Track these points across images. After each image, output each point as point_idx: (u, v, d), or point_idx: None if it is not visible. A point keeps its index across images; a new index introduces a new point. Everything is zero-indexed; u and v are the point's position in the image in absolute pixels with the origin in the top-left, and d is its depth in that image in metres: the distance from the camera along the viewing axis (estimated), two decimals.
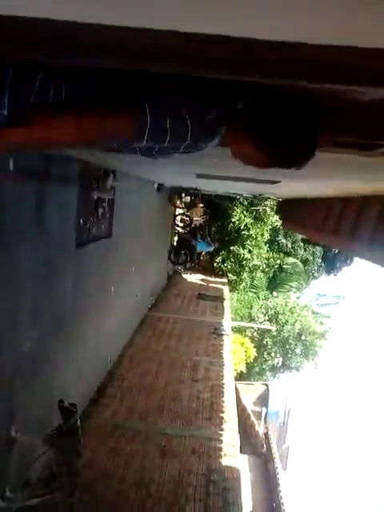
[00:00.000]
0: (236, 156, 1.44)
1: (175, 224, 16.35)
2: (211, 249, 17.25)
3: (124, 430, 6.48)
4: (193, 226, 16.32)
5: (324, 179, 3.85)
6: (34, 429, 4.51)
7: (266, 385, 16.86)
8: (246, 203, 16.97)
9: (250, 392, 14.97)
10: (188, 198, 16.93)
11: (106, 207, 6.86)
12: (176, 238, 16.35)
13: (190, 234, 15.62)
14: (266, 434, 13.22)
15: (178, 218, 16.56)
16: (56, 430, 4.25)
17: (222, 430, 7.22)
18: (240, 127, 1.35)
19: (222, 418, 7.59)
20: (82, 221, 5.78)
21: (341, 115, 1.55)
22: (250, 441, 11.83)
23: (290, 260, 22.35)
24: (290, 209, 8.83)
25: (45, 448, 4.30)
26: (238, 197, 15.73)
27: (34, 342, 4.46)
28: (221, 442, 6.81)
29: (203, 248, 16.54)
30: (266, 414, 14.68)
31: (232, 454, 6.50)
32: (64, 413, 4.23)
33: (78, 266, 5.76)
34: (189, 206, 17.74)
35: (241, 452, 7.13)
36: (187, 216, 16.45)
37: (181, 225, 16.46)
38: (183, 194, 15.79)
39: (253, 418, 13.00)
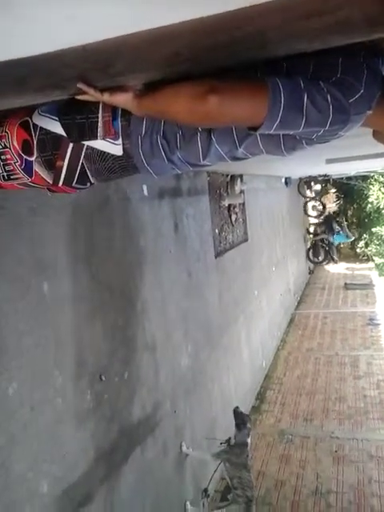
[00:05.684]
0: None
1: (307, 213, 15.46)
2: (351, 240, 16.07)
3: (290, 436, 6.27)
4: (326, 214, 15.31)
5: None
6: (201, 442, 4.56)
7: None
8: (381, 179, 15.62)
9: None
10: (318, 186, 16.13)
11: (239, 212, 6.78)
12: (311, 234, 15.55)
13: (326, 227, 14.73)
14: None
15: (310, 205, 15.61)
16: (225, 443, 4.22)
17: None
18: None
19: None
20: (217, 230, 5.77)
21: None
22: None
23: None
24: None
25: (215, 462, 4.31)
26: (372, 174, 14.55)
27: (189, 356, 4.52)
28: None
29: (341, 239, 15.46)
30: None
31: None
32: (238, 418, 4.19)
33: (220, 274, 5.75)
34: (320, 194, 16.88)
35: None
36: (320, 202, 15.44)
37: (314, 214, 15.49)
38: (312, 183, 15.08)
39: None
